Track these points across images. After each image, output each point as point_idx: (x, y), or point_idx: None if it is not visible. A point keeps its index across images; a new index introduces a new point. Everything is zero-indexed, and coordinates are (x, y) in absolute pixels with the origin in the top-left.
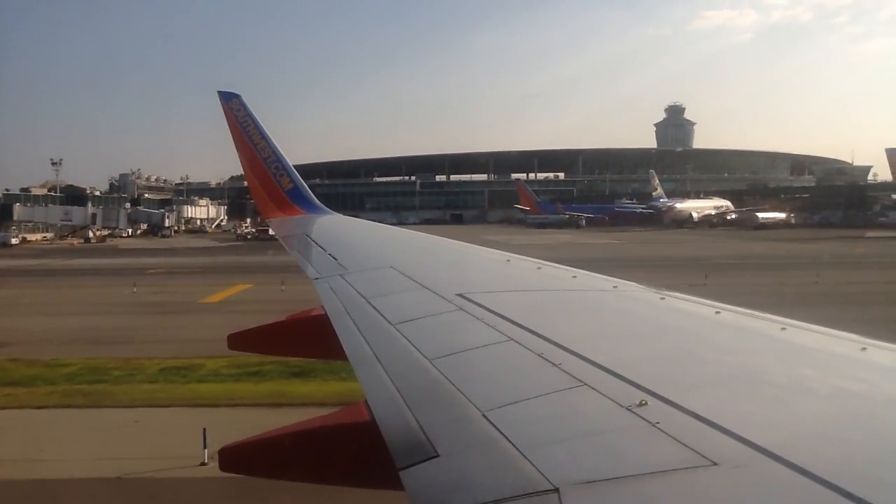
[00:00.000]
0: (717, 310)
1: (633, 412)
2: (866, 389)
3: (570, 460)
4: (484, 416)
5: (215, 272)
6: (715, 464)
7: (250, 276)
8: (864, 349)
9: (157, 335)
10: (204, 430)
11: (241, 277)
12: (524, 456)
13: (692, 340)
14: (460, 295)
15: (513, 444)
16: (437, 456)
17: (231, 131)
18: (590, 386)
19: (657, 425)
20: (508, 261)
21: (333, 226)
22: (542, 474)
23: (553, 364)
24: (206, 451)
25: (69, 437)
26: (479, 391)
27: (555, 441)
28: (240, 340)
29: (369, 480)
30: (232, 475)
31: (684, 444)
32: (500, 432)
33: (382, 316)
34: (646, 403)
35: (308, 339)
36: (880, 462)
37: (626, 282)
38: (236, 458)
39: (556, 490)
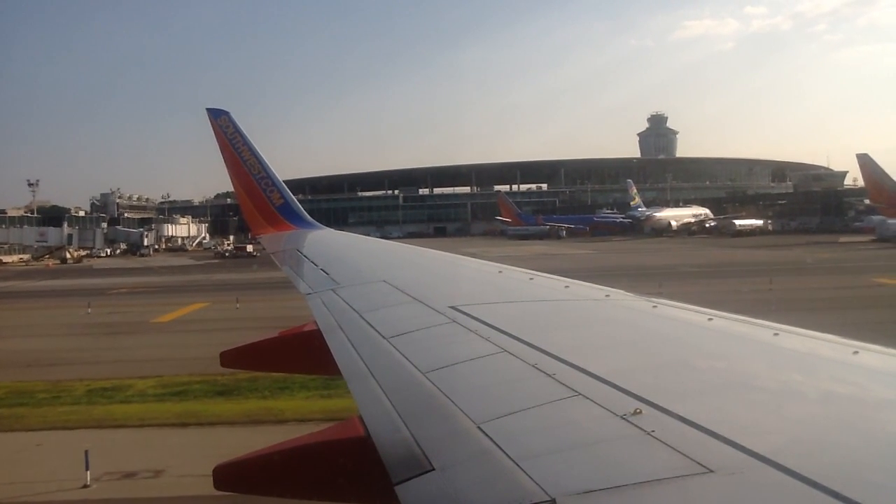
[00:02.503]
0: (710, 317)
1: (628, 421)
2: (860, 393)
3: (567, 471)
4: (479, 428)
5: (178, 291)
6: (711, 471)
7: (210, 294)
8: (856, 353)
9: (97, 356)
10: (86, 451)
11: (201, 296)
12: (520, 468)
13: (685, 348)
14: (453, 307)
15: (508, 456)
16: (433, 470)
17: (220, 148)
18: (584, 396)
19: (652, 434)
20: (500, 272)
21: (324, 240)
22: (539, 486)
23: (547, 375)
24: (88, 472)
25: None
26: (473, 403)
27: (550, 452)
28: (232, 358)
29: (365, 496)
30: (108, 497)
31: (680, 452)
32: (496, 444)
33: (375, 330)
34: (640, 412)
35: (301, 354)
36: (875, 465)
37: (618, 291)
38: (230, 476)
39: (553, 501)
